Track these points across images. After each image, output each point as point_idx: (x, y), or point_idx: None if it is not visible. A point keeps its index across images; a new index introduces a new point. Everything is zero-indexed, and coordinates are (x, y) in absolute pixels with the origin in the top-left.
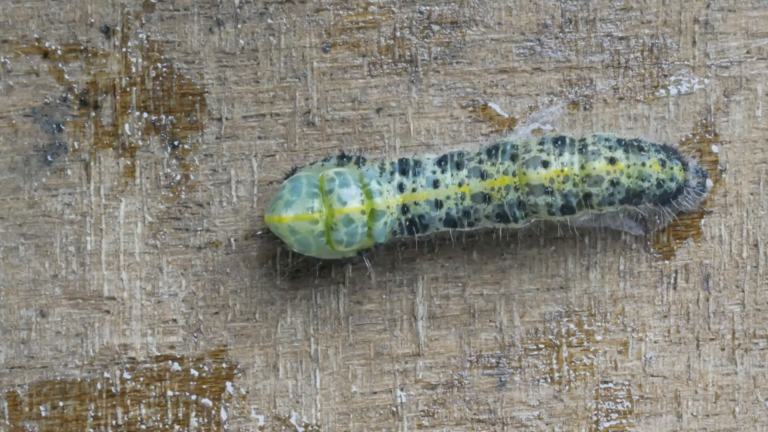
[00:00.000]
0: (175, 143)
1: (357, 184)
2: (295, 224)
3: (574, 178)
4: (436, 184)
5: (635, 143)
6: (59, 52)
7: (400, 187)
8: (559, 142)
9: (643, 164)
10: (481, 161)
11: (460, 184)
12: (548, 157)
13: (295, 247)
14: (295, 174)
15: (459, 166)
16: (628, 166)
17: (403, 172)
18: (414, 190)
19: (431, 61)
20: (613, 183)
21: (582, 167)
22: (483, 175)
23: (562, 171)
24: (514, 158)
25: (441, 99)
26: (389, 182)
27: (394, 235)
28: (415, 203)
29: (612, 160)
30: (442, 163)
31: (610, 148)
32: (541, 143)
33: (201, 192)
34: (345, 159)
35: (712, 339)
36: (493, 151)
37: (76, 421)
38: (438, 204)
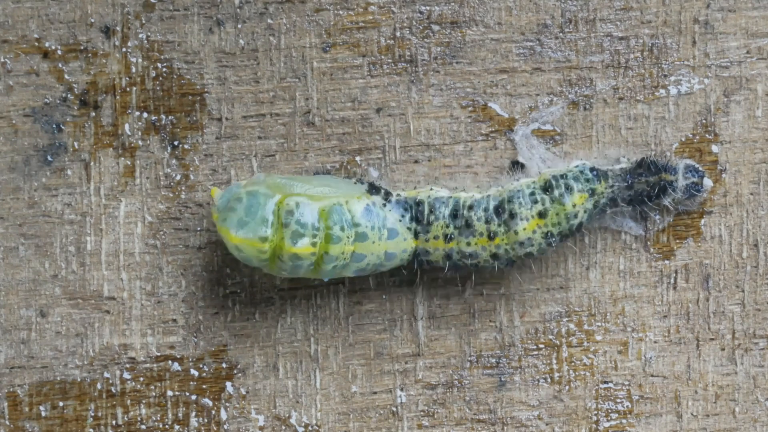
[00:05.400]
0: (175, 143)
1: (315, 225)
2: (242, 245)
3: (504, 246)
4: (448, 238)
5: (562, 180)
6: (59, 52)
7: (415, 234)
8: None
9: (565, 206)
10: (488, 221)
11: (468, 244)
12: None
13: (236, 256)
14: (255, 186)
15: (468, 224)
16: (556, 214)
17: (418, 221)
18: (427, 240)
19: (431, 61)
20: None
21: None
22: (491, 236)
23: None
24: (512, 214)
25: (441, 99)
26: (407, 227)
27: (403, 266)
28: (426, 251)
29: (539, 215)
30: (454, 216)
31: (533, 202)
32: (532, 192)
33: (201, 192)
34: (374, 190)
35: (712, 339)
36: (500, 210)
37: (76, 421)
38: (448, 255)
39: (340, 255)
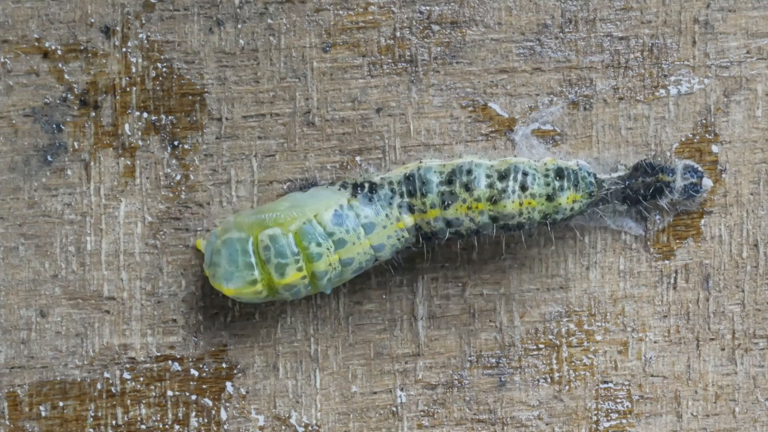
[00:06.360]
0: (175, 143)
1: (293, 250)
2: (238, 295)
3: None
4: (445, 205)
5: (560, 174)
6: (59, 52)
7: (410, 209)
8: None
9: (563, 199)
10: (491, 185)
11: (469, 207)
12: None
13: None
14: (228, 233)
15: (468, 188)
16: (542, 204)
17: (411, 194)
18: (424, 211)
19: (431, 61)
20: (526, 216)
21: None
22: (492, 200)
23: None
24: (523, 187)
25: (441, 99)
26: (399, 206)
27: (408, 248)
28: (427, 222)
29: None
30: (451, 181)
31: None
32: (546, 174)
33: (201, 192)
34: (359, 189)
35: (712, 339)
36: (504, 174)
37: (76, 421)
38: (449, 223)
39: (328, 268)
